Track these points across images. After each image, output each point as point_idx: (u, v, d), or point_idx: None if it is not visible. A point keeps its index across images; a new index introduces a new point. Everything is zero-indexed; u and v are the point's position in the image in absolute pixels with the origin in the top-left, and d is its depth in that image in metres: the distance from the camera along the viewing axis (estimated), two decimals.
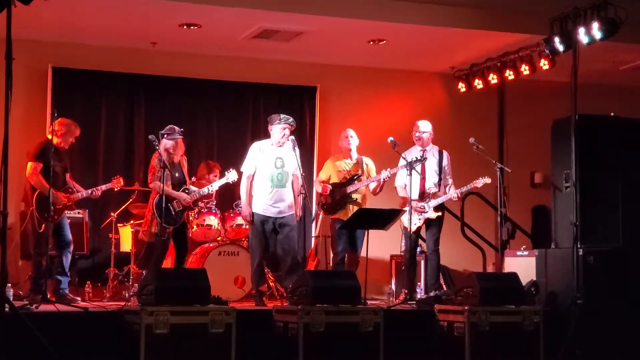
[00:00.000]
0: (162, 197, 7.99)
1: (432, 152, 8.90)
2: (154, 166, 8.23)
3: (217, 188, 8.85)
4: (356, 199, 8.76)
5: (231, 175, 8.72)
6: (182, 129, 8.36)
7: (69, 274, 8.31)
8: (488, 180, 8.77)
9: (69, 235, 8.27)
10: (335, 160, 9.01)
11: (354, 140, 8.94)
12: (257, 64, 10.83)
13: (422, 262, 9.30)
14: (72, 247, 8.33)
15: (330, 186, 8.80)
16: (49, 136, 8.01)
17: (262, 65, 10.85)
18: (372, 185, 8.84)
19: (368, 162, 8.97)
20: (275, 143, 8.30)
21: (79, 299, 8.24)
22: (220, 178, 9.30)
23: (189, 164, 8.84)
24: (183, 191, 8.29)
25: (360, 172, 8.86)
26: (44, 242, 7.87)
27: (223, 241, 9.21)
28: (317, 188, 8.87)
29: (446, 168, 8.89)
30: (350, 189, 8.74)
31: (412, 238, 8.76)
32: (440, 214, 8.78)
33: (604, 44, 9.04)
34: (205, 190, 8.58)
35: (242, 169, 8.42)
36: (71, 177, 8.42)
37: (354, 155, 8.95)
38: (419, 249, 9.26)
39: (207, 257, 8.89)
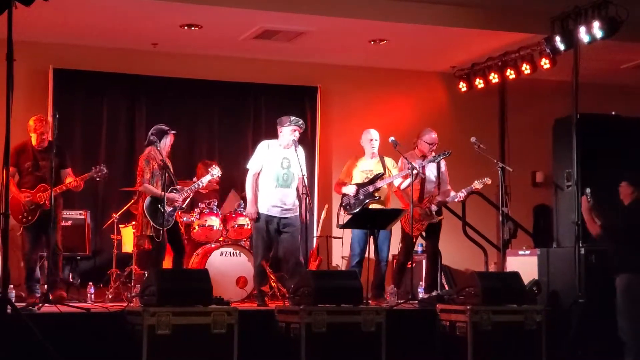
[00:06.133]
0: (159, 199, 8.00)
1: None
2: (142, 169, 8.19)
3: (204, 185, 8.78)
4: (379, 197, 8.76)
5: (214, 172, 8.71)
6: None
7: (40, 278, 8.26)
8: (488, 180, 8.82)
9: (50, 236, 8.09)
10: (356, 161, 9.00)
11: (376, 143, 8.91)
12: (258, 65, 10.82)
13: (424, 263, 9.32)
14: (52, 248, 8.27)
15: (355, 186, 8.81)
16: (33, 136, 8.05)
17: (263, 66, 10.84)
18: (397, 182, 8.85)
19: (389, 161, 8.97)
20: (283, 144, 8.28)
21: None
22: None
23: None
24: (171, 191, 8.26)
25: (382, 171, 8.86)
26: (27, 244, 7.99)
27: (225, 242, 9.20)
28: (347, 190, 8.84)
29: (444, 176, 9.02)
30: (372, 188, 8.74)
31: (412, 242, 8.85)
32: (442, 217, 8.95)
33: (605, 43, 9.04)
34: (193, 187, 8.54)
35: (248, 166, 8.38)
36: (72, 174, 8.33)
37: (376, 155, 8.94)
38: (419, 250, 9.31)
39: (208, 257, 8.89)
